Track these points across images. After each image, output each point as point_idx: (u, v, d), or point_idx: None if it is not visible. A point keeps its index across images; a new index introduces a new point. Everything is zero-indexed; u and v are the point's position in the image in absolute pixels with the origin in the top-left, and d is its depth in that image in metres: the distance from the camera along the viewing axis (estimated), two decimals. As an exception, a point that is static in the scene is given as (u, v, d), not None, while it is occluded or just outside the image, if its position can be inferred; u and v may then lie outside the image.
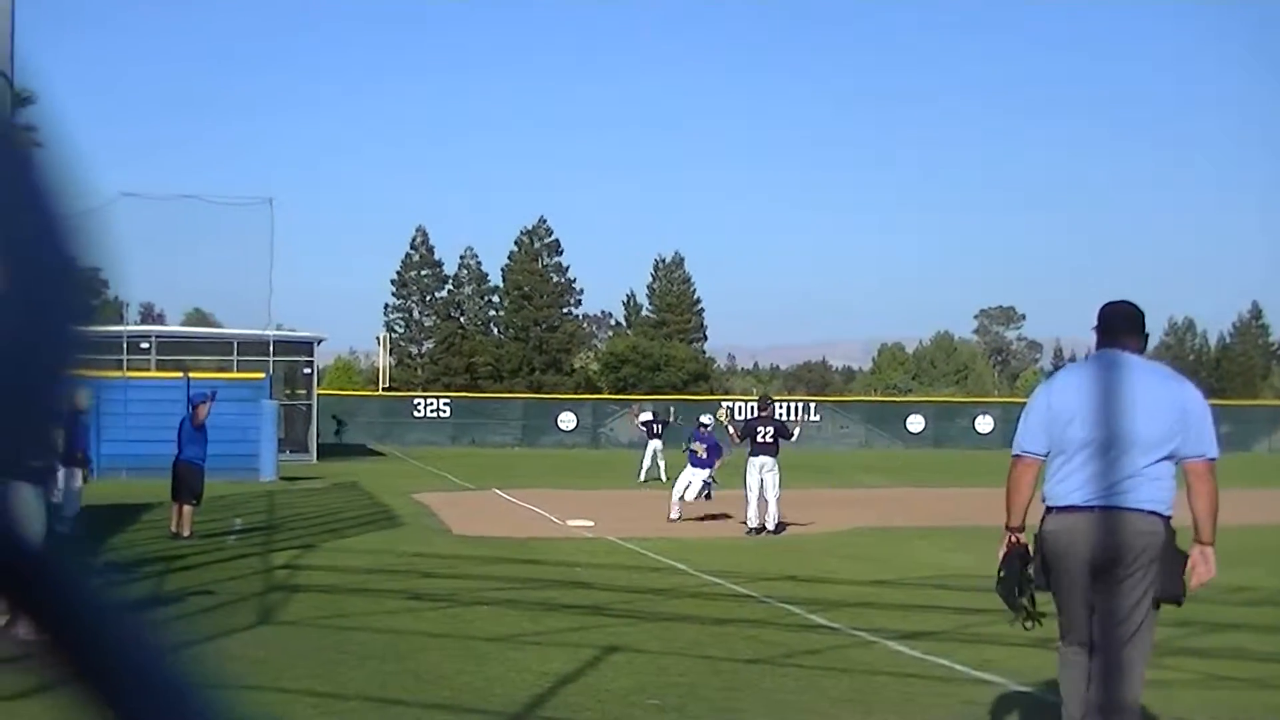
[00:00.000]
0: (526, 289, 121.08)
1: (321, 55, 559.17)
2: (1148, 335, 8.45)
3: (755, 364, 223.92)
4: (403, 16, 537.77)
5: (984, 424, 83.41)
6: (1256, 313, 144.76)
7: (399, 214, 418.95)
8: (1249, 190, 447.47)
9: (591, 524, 27.59)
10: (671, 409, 52.89)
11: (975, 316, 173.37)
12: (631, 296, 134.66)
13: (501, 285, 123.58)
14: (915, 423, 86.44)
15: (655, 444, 47.63)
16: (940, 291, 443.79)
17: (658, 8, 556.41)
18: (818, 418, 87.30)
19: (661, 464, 46.53)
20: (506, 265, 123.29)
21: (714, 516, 28.92)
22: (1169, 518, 7.98)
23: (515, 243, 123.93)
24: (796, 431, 29.52)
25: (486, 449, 73.52)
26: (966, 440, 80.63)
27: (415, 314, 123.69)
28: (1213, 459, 8.11)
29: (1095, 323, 8.45)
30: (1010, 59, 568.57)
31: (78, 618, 1.29)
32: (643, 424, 49.86)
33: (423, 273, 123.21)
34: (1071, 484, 8.03)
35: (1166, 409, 8.06)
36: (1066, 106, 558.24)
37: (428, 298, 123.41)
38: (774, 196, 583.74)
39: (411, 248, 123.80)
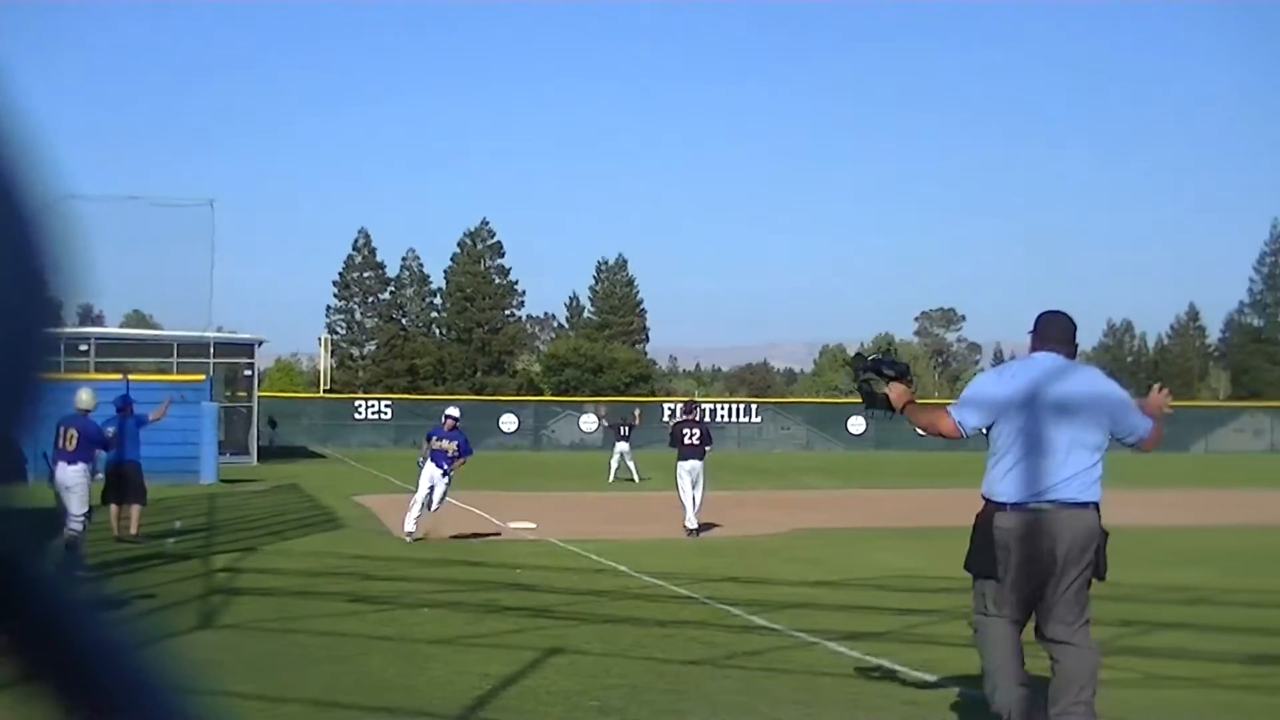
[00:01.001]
0: (469, 291, 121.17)
1: (263, 57, 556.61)
2: (1077, 345, 9.06)
3: (697, 365, 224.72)
4: (343, 20, 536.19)
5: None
6: (1194, 314, 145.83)
7: (341, 216, 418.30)
8: (1187, 193, 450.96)
9: (533, 526, 27.59)
10: (637, 411, 52.71)
11: (916, 318, 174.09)
12: (574, 298, 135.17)
13: (444, 287, 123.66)
14: (856, 424, 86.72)
15: (623, 446, 47.90)
16: (881, 293, 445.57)
17: (599, 13, 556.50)
18: (759, 419, 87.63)
19: (632, 465, 46.79)
20: (449, 267, 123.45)
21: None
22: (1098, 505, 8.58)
23: (458, 244, 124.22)
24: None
25: (428, 451, 73.36)
26: (908, 442, 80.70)
27: (357, 316, 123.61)
28: (1143, 433, 9.07)
29: (1031, 329, 9.03)
30: (948, 63, 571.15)
31: (40, 616, 1.29)
32: (609, 426, 50.07)
33: (365, 274, 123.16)
34: (1023, 483, 8.42)
35: (1102, 405, 8.81)
36: (1005, 110, 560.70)
37: (370, 299, 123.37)
38: (716, 199, 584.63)
39: (354, 249, 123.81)
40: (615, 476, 46.91)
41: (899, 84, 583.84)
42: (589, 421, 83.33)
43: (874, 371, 9.48)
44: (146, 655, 1.34)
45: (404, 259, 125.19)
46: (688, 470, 26.98)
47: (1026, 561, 8.43)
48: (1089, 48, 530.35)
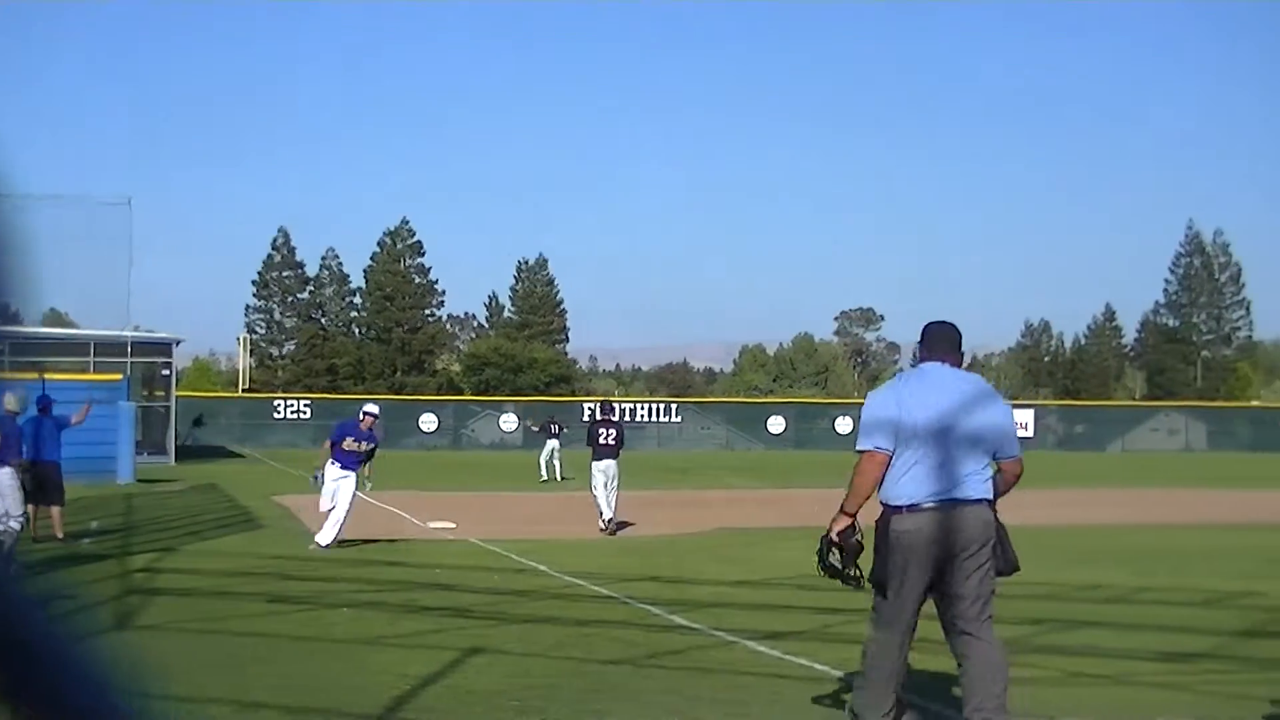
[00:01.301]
0: (389, 290, 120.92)
1: (179, 53, 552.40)
2: (964, 353, 9.56)
3: (617, 365, 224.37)
4: (258, 14, 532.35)
5: (844, 425, 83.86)
6: (1110, 315, 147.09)
7: (261, 215, 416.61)
8: (1104, 195, 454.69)
9: (453, 526, 27.53)
10: (565, 430, 51.98)
11: (835, 318, 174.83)
12: (494, 298, 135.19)
13: (364, 286, 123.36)
14: (776, 424, 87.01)
15: (554, 443, 47.91)
16: (801, 293, 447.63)
17: (509, 12, 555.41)
18: (679, 419, 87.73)
19: (559, 463, 46.81)
20: (369, 266, 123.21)
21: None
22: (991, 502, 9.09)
23: (378, 244, 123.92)
24: None
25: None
26: (827, 441, 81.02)
27: (276, 315, 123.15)
28: (1020, 457, 9.35)
29: (919, 340, 9.53)
30: (863, 62, 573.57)
31: None
32: (538, 430, 50.15)
33: (284, 274, 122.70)
34: (921, 484, 8.82)
35: (990, 413, 9.24)
36: (926, 111, 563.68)
37: (289, 299, 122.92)
38: (636, 199, 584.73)
39: (273, 248, 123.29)
40: (546, 475, 46.99)
41: (816, 83, 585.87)
42: (509, 421, 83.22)
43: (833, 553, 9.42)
44: (91, 651, 1.35)
45: (323, 258, 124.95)
46: (602, 469, 27.29)
47: (925, 561, 8.81)
48: (999, 41, 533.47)
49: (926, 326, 9.56)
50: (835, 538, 9.26)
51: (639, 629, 14.91)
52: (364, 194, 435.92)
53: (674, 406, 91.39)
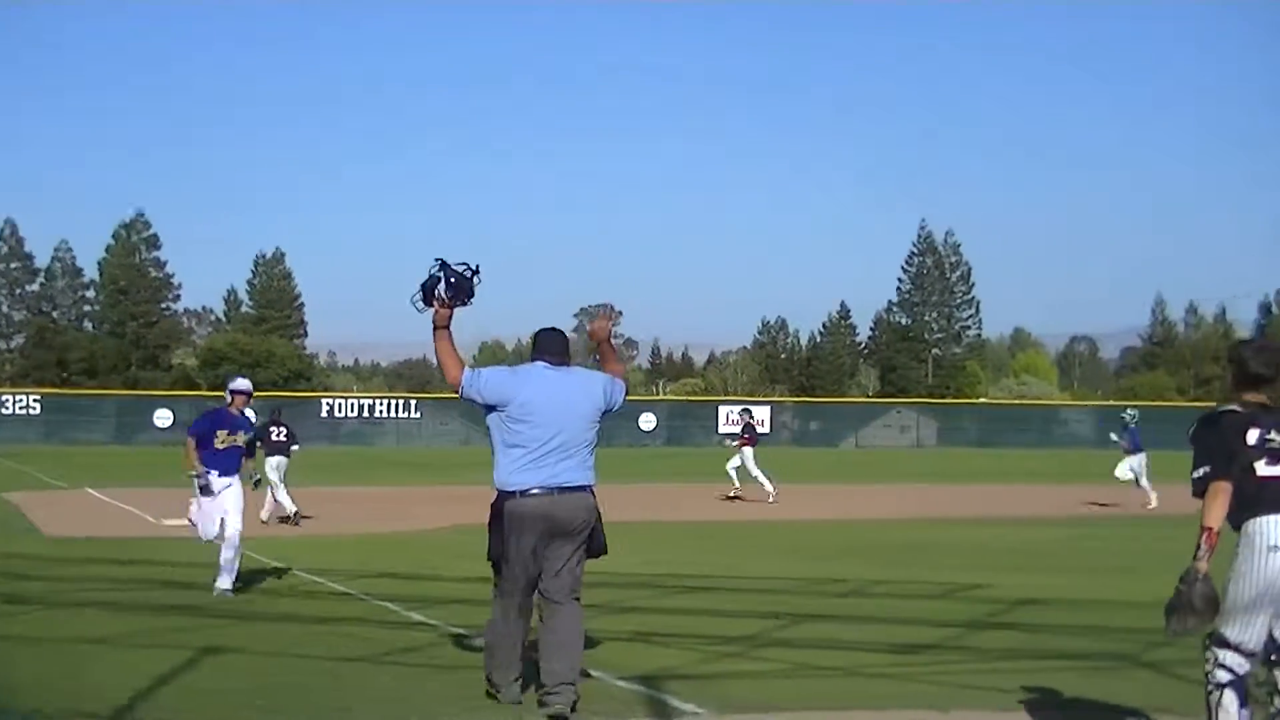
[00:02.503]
0: (123, 283, 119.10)
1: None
2: (570, 355, 10.88)
3: (356, 361, 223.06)
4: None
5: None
6: (844, 312, 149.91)
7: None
8: (838, 191, 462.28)
9: (187, 523, 27.16)
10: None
11: (575, 314, 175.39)
12: (232, 292, 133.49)
13: (98, 279, 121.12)
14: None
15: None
16: (539, 288, 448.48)
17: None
18: (419, 415, 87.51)
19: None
20: (103, 259, 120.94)
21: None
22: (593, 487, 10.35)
23: (112, 236, 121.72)
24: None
25: (79, 447, 71.69)
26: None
27: (4, 308, 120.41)
28: (622, 391, 10.80)
29: (532, 344, 10.95)
30: (610, 58, 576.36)
31: None
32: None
33: (12, 265, 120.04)
34: (534, 472, 10.05)
35: (593, 400, 10.54)
36: (651, 105, 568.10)
37: (17, 291, 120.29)
38: (370, 191, 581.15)
39: (0, 239, 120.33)
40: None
41: (551, 83, 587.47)
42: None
43: (449, 282, 10.44)
44: None
45: (55, 250, 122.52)
46: (275, 465, 29.33)
47: (538, 540, 9.99)
48: (739, 44, 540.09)
49: (537, 333, 10.99)
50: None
51: (377, 626, 14.88)
52: (99, 186, 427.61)
53: (413, 402, 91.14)
